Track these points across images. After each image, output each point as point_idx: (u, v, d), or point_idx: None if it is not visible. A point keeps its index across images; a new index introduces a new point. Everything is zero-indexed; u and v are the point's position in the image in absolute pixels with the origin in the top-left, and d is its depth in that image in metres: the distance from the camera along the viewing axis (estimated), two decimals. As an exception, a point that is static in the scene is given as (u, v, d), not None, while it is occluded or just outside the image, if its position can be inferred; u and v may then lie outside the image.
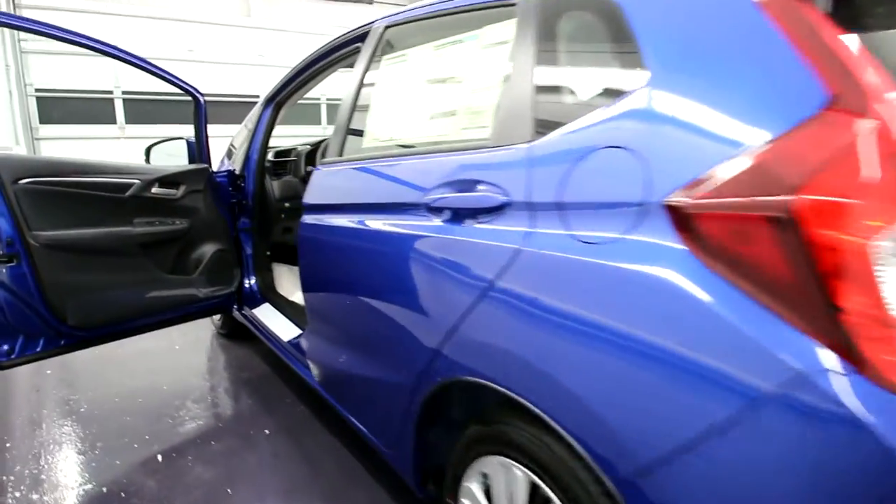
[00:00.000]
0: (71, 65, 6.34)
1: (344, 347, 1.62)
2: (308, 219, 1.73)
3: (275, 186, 2.59)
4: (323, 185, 1.70)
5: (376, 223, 1.40)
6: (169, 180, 2.26)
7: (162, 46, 6.72)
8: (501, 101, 1.15)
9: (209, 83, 6.95)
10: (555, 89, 1.06)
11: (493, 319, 1.02)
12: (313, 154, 2.77)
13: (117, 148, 6.64)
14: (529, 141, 1.03)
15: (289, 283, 2.92)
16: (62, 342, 2.03)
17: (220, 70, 7.21)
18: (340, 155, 1.68)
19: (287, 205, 2.62)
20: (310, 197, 1.74)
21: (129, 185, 2.13)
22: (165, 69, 2.17)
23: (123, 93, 6.67)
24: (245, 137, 2.63)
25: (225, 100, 7.08)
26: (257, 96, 7.43)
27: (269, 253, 2.78)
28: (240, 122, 2.77)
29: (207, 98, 2.39)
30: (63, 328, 1.99)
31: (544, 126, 1.01)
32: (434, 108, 1.40)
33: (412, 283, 1.25)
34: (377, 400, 1.48)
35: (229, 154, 2.80)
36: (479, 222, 1.09)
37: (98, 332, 2.11)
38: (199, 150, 2.41)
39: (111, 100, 6.63)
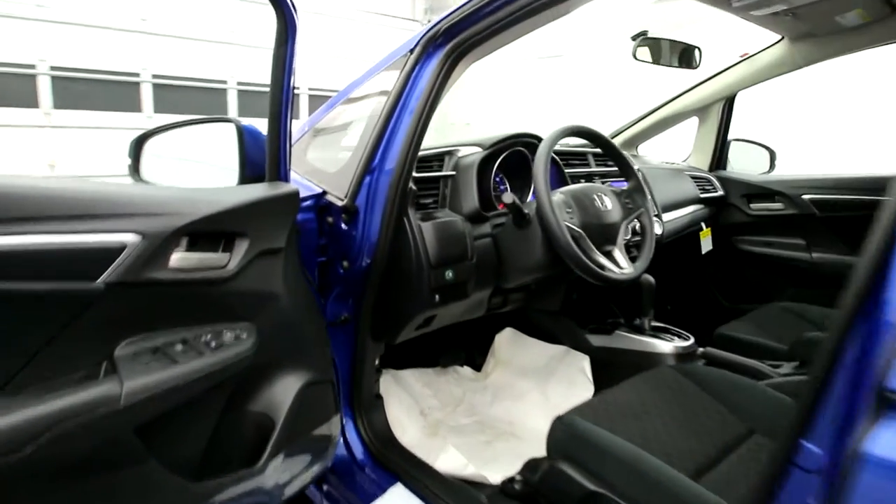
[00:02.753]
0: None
1: None
2: None
3: (424, 233, 1.18)
4: None
5: None
6: (208, 230, 0.84)
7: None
8: None
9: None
10: None
11: None
12: (490, 162, 1.39)
13: (41, 140, 4.91)
14: None
15: (413, 421, 1.52)
16: None
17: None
18: None
19: (450, 275, 1.21)
20: None
21: (109, 254, 0.70)
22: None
23: (52, 68, 4.95)
24: (358, 126, 1.22)
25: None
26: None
27: (378, 362, 1.38)
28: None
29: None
30: None
31: None
32: None
33: None
34: None
35: (300, 162, 1.35)
36: None
37: None
38: (273, 150, 0.99)
39: (33, 77, 4.89)
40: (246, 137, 1.06)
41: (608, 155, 1.41)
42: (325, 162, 1.31)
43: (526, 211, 1.24)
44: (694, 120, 2.13)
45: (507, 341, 1.81)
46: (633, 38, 1.58)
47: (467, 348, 1.87)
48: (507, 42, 1.12)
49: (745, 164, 2.15)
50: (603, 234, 1.25)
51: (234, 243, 0.88)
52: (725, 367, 1.31)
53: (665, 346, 1.53)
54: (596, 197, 1.27)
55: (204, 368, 0.81)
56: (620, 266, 1.24)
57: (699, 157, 2.15)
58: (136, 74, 5.37)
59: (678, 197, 1.82)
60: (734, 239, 2.07)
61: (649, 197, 1.37)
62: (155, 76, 5.43)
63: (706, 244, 1.98)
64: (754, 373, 1.32)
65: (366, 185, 1.17)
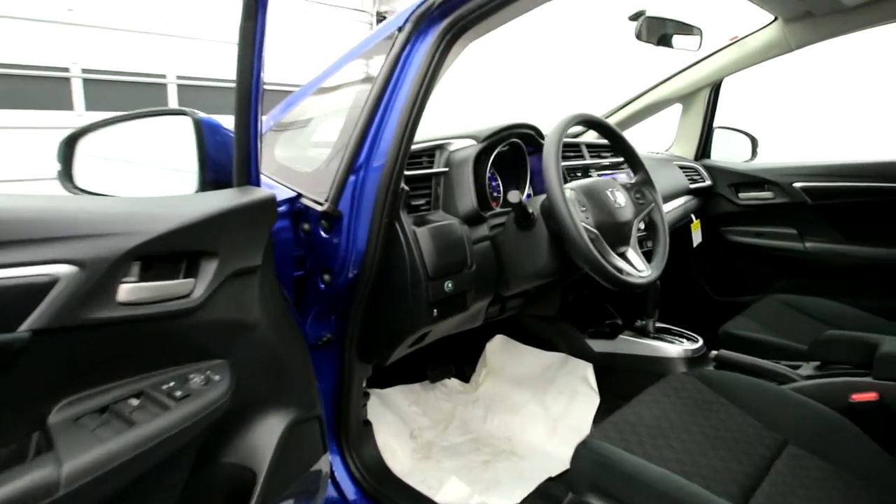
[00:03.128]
0: None
1: None
2: None
3: (420, 240, 1.03)
4: None
5: None
6: (166, 251, 0.66)
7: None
8: None
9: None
10: None
11: None
12: (486, 155, 1.24)
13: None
14: None
15: (403, 445, 1.37)
16: None
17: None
18: None
19: (449, 286, 1.06)
20: None
21: (35, 292, 0.52)
22: None
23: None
24: (337, 118, 1.05)
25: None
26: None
27: (365, 384, 1.22)
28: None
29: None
30: None
31: None
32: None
33: None
34: None
35: (267, 161, 1.17)
36: None
37: None
38: (241, 148, 0.81)
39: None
40: (205, 133, 0.88)
41: (614, 145, 1.29)
42: (297, 160, 1.14)
43: (530, 210, 1.10)
44: (667, 109, 2.05)
45: (499, 349, 1.68)
46: (632, 19, 1.47)
47: (455, 359, 1.73)
48: (510, 18, 0.98)
49: (726, 152, 2.09)
50: (617, 234, 1.13)
51: (200, 265, 0.70)
52: (740, 370, 1.23)
53: (674, 349, 1.43)
54: (609, 193, 1.14)
55: (169, 427, 0.64)
56: (637, 268, 1.12)
57: (683, 146, 2.07)
58: (66, 69, 4.94)
59: (671, 188, 1.73)
60: (722, 230, 2.01)
61: (658, 190, 1.26)
62: (86, 70, 5.01)
63: (697, 236, 1.91)
64: (773, 375, 1.23)
65: (350, 186, 1.01)
